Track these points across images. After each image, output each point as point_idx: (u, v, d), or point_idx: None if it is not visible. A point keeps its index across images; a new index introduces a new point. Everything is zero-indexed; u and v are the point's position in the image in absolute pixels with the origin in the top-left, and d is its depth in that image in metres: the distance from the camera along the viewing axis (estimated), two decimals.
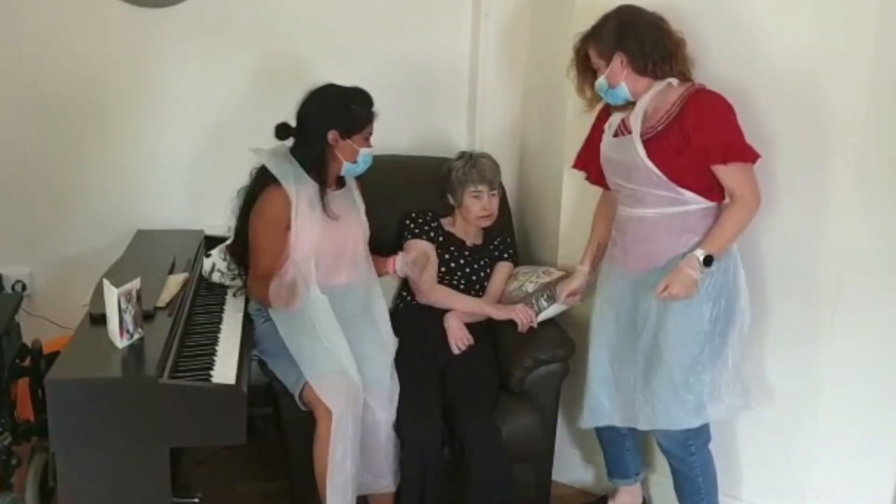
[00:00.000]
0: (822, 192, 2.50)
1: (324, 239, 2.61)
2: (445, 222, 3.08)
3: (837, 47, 2.41)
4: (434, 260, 2.96)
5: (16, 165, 3.17)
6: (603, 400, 2.64)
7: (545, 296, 2.87)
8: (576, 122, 2.88)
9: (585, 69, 2.53)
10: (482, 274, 3.02)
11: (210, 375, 2.18)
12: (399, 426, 2.61)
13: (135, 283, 2.12)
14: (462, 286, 2.98)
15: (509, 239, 3.15)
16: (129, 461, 2.05)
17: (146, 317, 2.21)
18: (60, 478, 2.06)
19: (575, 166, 2.73)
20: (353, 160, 2.64)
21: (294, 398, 2.53)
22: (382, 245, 2.96)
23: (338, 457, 2.45)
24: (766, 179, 2.41)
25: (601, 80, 2.48)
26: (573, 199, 2.95)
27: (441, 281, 2.96)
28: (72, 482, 2.05)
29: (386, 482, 2.63)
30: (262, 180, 2.61)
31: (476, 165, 3.01)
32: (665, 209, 2.43)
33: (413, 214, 3.05)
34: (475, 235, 3.08)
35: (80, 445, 2.02)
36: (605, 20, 2.46)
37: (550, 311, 2.88)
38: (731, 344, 2.47)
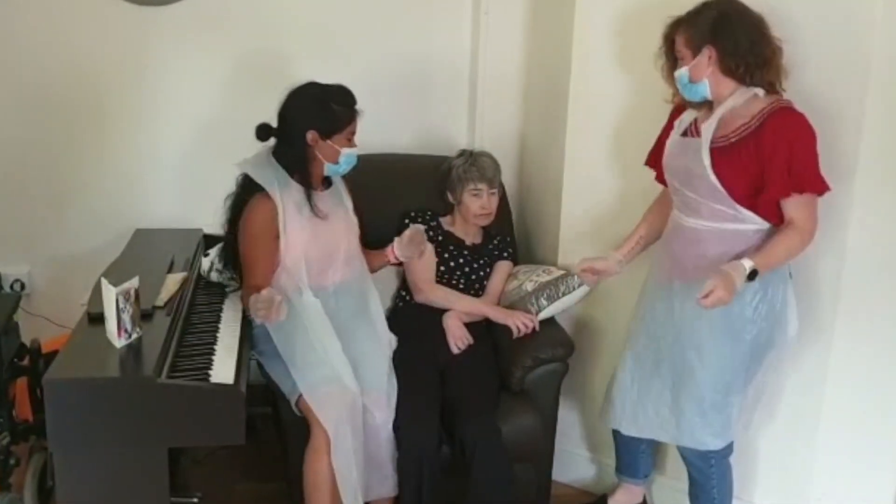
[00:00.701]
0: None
1: (314, 241, 2.58)
2: (445, 221, 3.07)
3: (840, 40, 2.38)
4: (430, 248, 2.93)
5: (14, 164, 3.16)
6: (617, 405, 2.63)
7: (545, 295, 2.86)
8: (576, 121, 2.88)
9: (674, 57, 2.36)
10: (482, 273, 3.01)
11: (208, 375, 2.17)
12: (397, 426, 2.60)
13: (133, 283, 2.11)
14: (461, 285, 2.97)
15: (509, 238, 3.14)
16: (128, 461, 2.05)
17: (144, 316, 2.20)
18: (58, 477, 2.05)
19: (646, 163, 2.60)
20: (335, 161, 2.59)
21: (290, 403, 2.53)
22: (382, 244, 2.95)
23: (343, 469, 2.43)
24: None
25: (683, 72, 2.31)
26: (573, 198, 2.94)
27: (440, 280, 2.95)
28: (70, 482, 2.05)
29: (390, 484, 2.61)
30: (248, 189, 2.57)
31: (476, 163, 3.00)
32: (719, 224, 2.32)
33: (412, 213, 3.04)
34: (475, 235, 3.07)
35: (78, 445, 2.01)
36: (705, 7, 2.27)
37: (550, 311, 2.88)
38: (764, 370, 2.43)
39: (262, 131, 2.57)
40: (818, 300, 2.54)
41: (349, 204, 2.76)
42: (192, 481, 2.79)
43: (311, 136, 2.55)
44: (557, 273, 2.91)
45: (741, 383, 2.42)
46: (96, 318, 2.19)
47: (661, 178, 2.57)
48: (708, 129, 2.30)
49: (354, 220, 2.75)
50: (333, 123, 2.55)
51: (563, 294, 2.86)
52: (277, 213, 2.53)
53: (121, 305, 2.07)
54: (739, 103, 2.28)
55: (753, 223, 2.31)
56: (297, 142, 2.56)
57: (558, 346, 2.81)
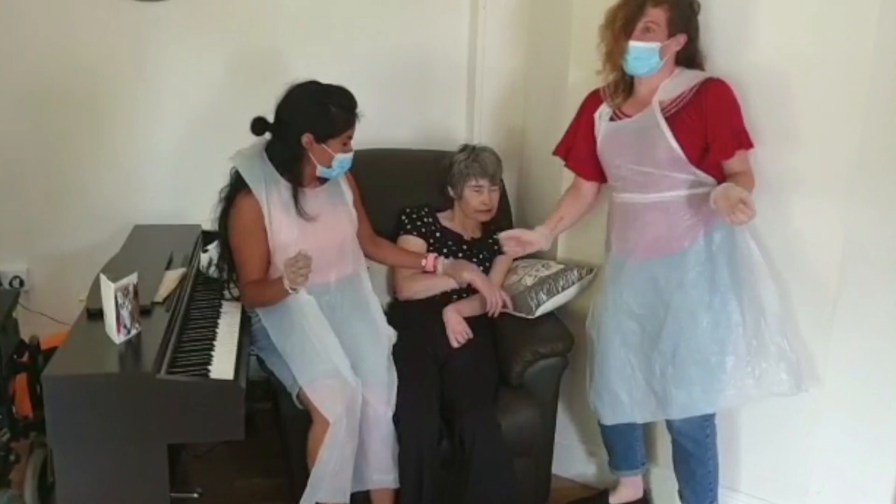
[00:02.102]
0: (822, 186, 2.47)
1: (304, 240, 2.53)
2: (443, 217, 3.07)
3: (839, 38, 2.38)
4: (413, 241, 2.98)
5: (12, 160, 3.16)
6: (623, 398, 2.60)
7: (544, 289, 2.86)
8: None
9: (634, 25, 2.35)
10: (481, 268, 3.00)
11: (208, 370, 2.18)
12: (397, 420, 2.60)
13: (132, 279, 2.11)
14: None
15: None
16: (128, 457, 2.05)
17: (143, 312, 2.20)
18: (58, 474, 2.06)
19: (556, 153, 2.69)
20: (328, 165, 2.55)
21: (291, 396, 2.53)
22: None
23: (324, 458, 2.43)
24: (771, 173, 2.44)
25: (652, 46, 2.35)
26: None
27: None
28: (70, 478, 2.05)
29: (390, 477, 2.61)
30: (236, 185, 2.55)
31: (478, 159, 3.00)
32: (680, 192, 2.42)
33: (408, 209, 3.04)
34: (474, 229, 3.07)
35: (78, 441, 2.02)
36: None
37: (550, 305, 2.88)
38: (745, 325, 2.43)
39: (258, 125, 2.54)
40: (818, 292, 2.53)
41: (349, 197, 2.73)
42: (192, 477, 2.80)
43: (306, 138, 2.51)
44: (557, 267, 2.91)
45: (728, 337, 2.43)
46: (95, 315, 2.19)
47: (571, 164, 2.67)
48: (655, 104, 2.40)
49: (354, 213, 2.73)
50: (330, 127, 2.51)
51: (563, 288, 2.86)
52: (261, 211, 2.51)
53: (120, 301, 2.07)
54: (680, 82, 2.41)
55: (710, 185, 2.38)
56: (292, 142, 2.51)
57: (558, 341, 2.81)
